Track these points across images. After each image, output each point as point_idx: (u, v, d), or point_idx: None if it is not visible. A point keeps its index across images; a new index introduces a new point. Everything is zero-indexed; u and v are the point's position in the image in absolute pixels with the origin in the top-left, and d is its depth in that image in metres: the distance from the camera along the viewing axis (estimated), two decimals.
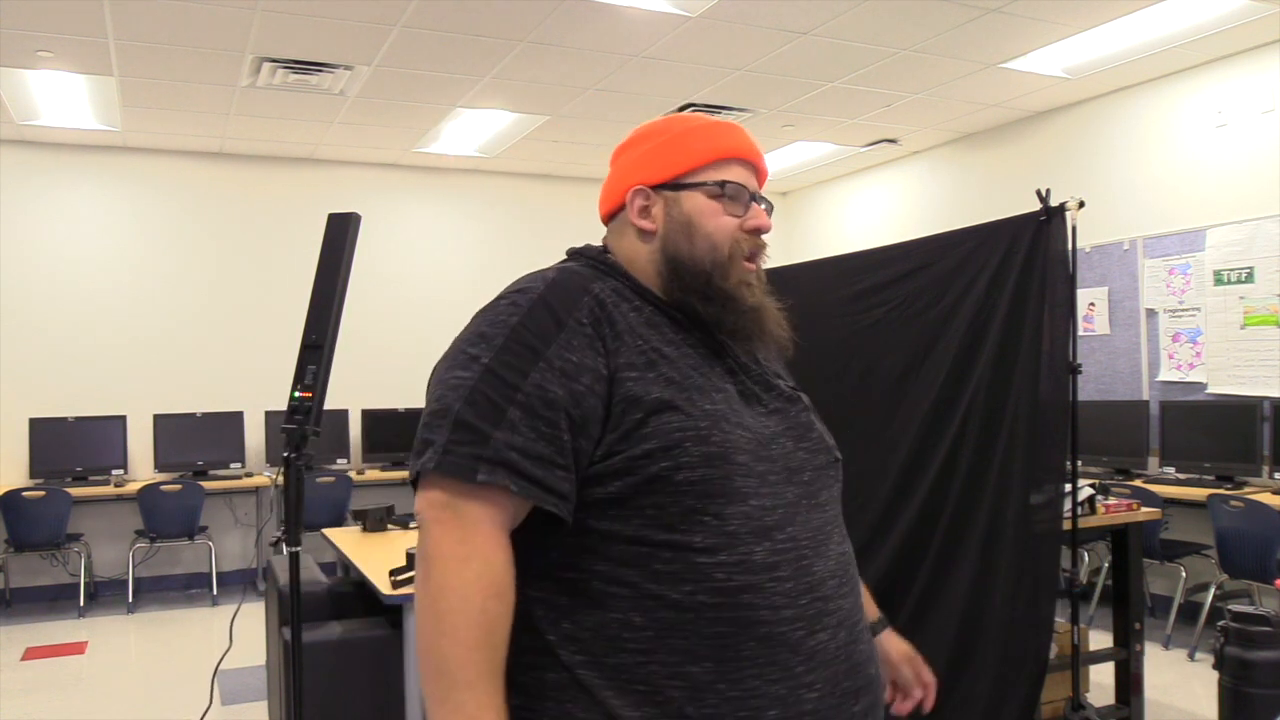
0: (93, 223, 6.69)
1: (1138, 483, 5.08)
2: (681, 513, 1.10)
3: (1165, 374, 5.49)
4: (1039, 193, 3.02)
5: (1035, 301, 3.00)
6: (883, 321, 3.55)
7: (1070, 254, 2.98)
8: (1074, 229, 3.00)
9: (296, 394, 2.57)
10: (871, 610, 1.46)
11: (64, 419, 6.37)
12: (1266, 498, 4.49)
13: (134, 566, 6.33)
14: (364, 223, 2.80)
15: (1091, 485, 3.60)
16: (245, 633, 5.03)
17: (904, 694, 1.59)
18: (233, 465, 6.69)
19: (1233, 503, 4.50)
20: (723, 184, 1.27)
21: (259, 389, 6.77)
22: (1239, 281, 5.14)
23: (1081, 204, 3.01)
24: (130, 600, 6.22)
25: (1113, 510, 3.60)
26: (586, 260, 1.27)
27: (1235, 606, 3.27)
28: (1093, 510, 3.53)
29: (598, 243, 1.34)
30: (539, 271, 1.22)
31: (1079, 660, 3.30)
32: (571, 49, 4.97)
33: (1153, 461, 5.36)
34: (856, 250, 3.93)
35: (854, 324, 3.65)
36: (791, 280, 4.19)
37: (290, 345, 2.99)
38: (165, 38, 4.70)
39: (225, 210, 7.01)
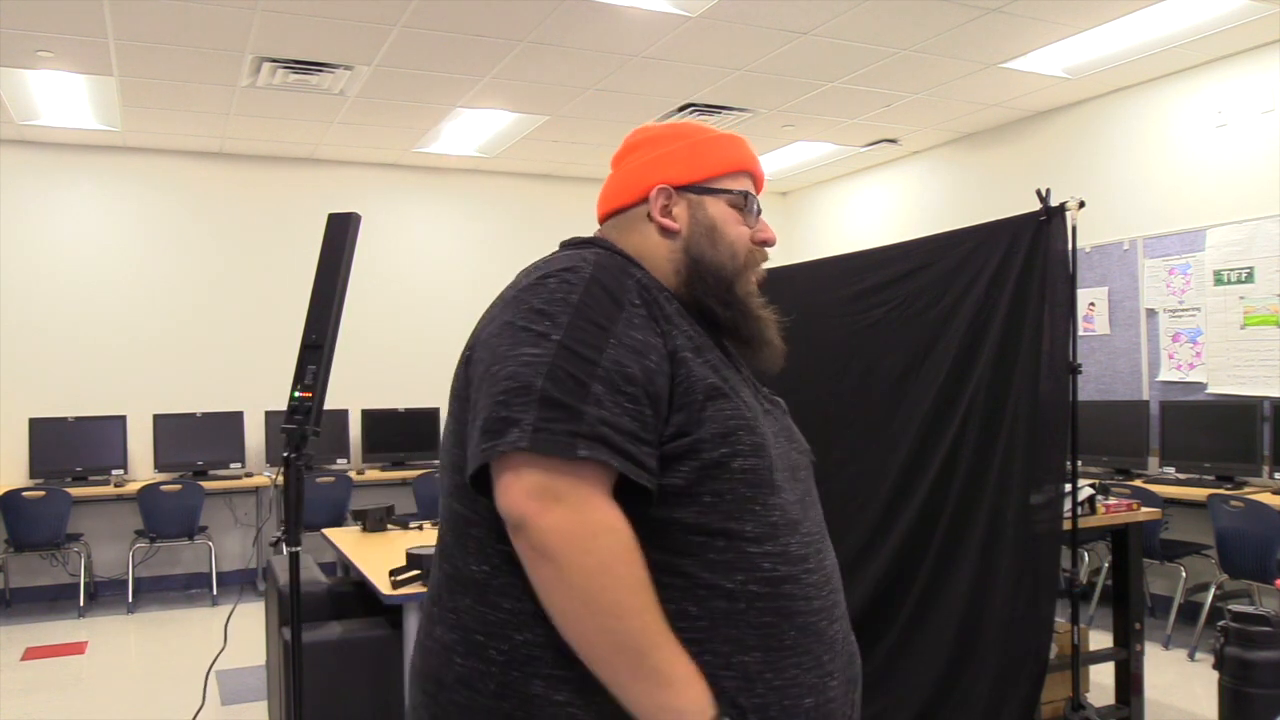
0: (93, 223, 6.69)
1: (1138, 483, 5.08)
2: (736, 501, 1.11)
3: (1165, 374, 5.49)
4: (1039, 193, 3.02)
5: (1035, 301, 3.00)
6: (883, 321, 3.55)
7: (1070, 254, 2.98)
8: (1074, 229, 3.00)
9: (296, 394, 2.57)
10: None
11: (64, 419, 6.36)
12: (1266, 498, 4.49)
13: (134, 566, 6.33)
14: (364, 223, 2.80)
15: (1091, 485, 3.59)
16: (245, 633, 5.03)
17: None
18: (233, 465, 6.69)
19: (1233, 503, 4.50)
20: (746, 195, 1.31)
21: (259, 389, 6.77)
22: (1239, 281, 5.14)
23: (1081, 204, 3.01)
24: (130, 600, 6.22)
25: (1113, 510, 3.60)
26: (603, 250, 1.25)
27: (1235, 606, 3.27)
28: (1093, 510, 3.52)
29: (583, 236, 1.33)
30: (573, 253, 1.20)
31: (1079, 660, 3.30)
32: (571, 49, 4.97)
33: (1153, 461, 5.35)
34: (856, 250, 3.93)
35: (854, 324, 3.66)
36: (791, 280, 4.19)
37: (290, 345, 2.99)
38: (165, 38, 4.70)
39: (225, 210, 7.01)
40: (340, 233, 2.69)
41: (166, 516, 6.10)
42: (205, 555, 6.55)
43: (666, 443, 1.10)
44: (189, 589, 6.71)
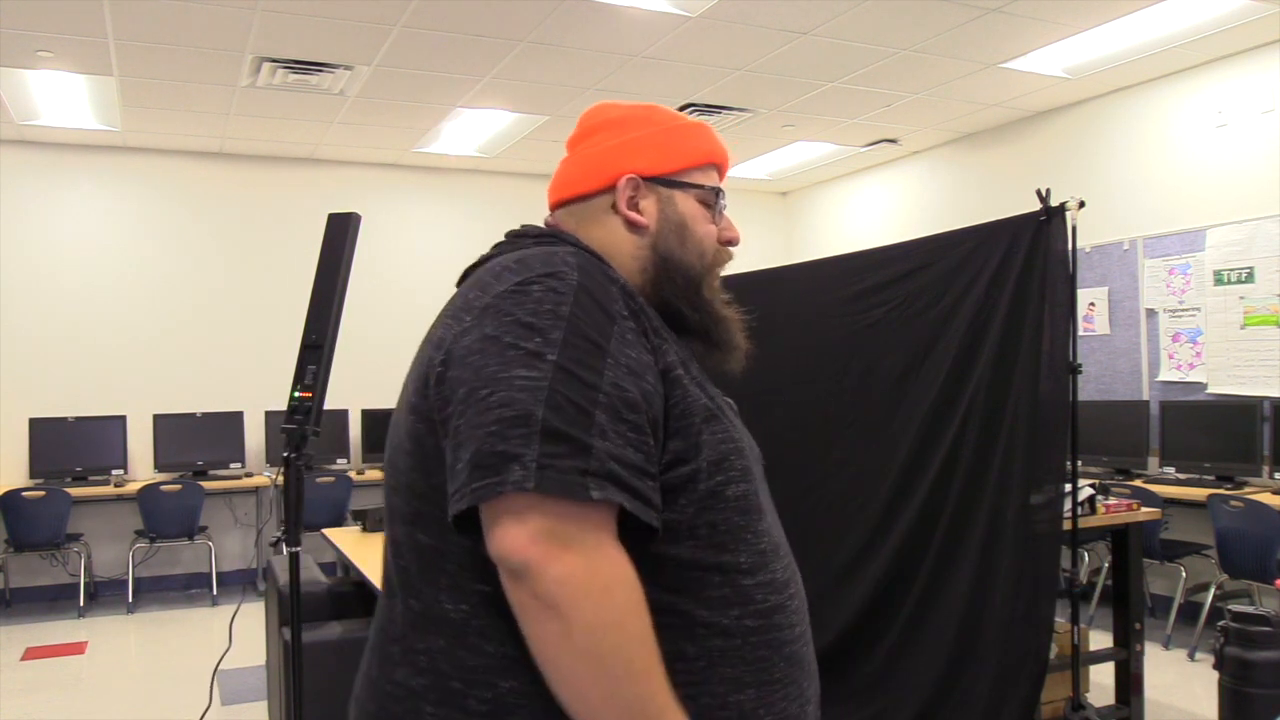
0: (93, 223, 6.69)
1: (1138, 483, 5.08)
2: (730, 531, 1.04)
3: (1165, 374, 5.49)
4: (1039, 193, 3.02)
5: (1035, 301, 3.00)
6: (883, 321, 3.55)
7: (1070, 254, 2.98)
8: (1074, 229, 3.00)
9: (296, 394, 2.57)
10: None
11: (64, 419, 6.36)
12: (1266, 498, 4.49)
13: (134, 566, 6.33)
14: (364, 223, 2.80)
15: (1091, 485, 3.59)
16: (245, 633, 5.03)
17: None
18: (233, 465, 6.69)
19: (1233, 503, 4.50)
20: (716, 191, 1.22)
21: (259, 389, 6.77)
22: (1239, 281, 5.14)
23: (1081, 204, 3.01)
24: (130, 600, 6.21)
25: (1113, 510, 3.60)
26: (574, 246, 1.13)
27: (1235, 606, 3.27)
28: (1093, 510, 3.52)
29: (537, 225, 1.23)
30: (551, 252, 1.08)
31: (1079, 660, 3.30)
32: (571, 49, 4.97)
33: (1153, 461, 5.35)
34: (856, 250, 3.93)
35: (854, 324, 3.65)
36: (792, 280, 4.19)
37: (290, 345, 2.99)
38: (165, 38, 4.70)
39: (225, 210, 7.01)
40: (340, 233, 2.69)
41: (166, 516, 6.10)
42: (205, 555, 6.55)
43: (664, 472, 1.01)
44: (189, 589, 6.71)
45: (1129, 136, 5.77)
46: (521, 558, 0.91)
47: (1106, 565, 5.00)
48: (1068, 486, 3.06)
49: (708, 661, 1.02)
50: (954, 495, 3.19)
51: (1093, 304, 5.85)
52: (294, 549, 2.55)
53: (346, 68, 5.18)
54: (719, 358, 1.23)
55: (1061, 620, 3.20)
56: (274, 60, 5.04)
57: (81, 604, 6.10)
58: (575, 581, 0.91)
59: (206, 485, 6.28)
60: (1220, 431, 5.06)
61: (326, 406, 2.66)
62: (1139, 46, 5.09)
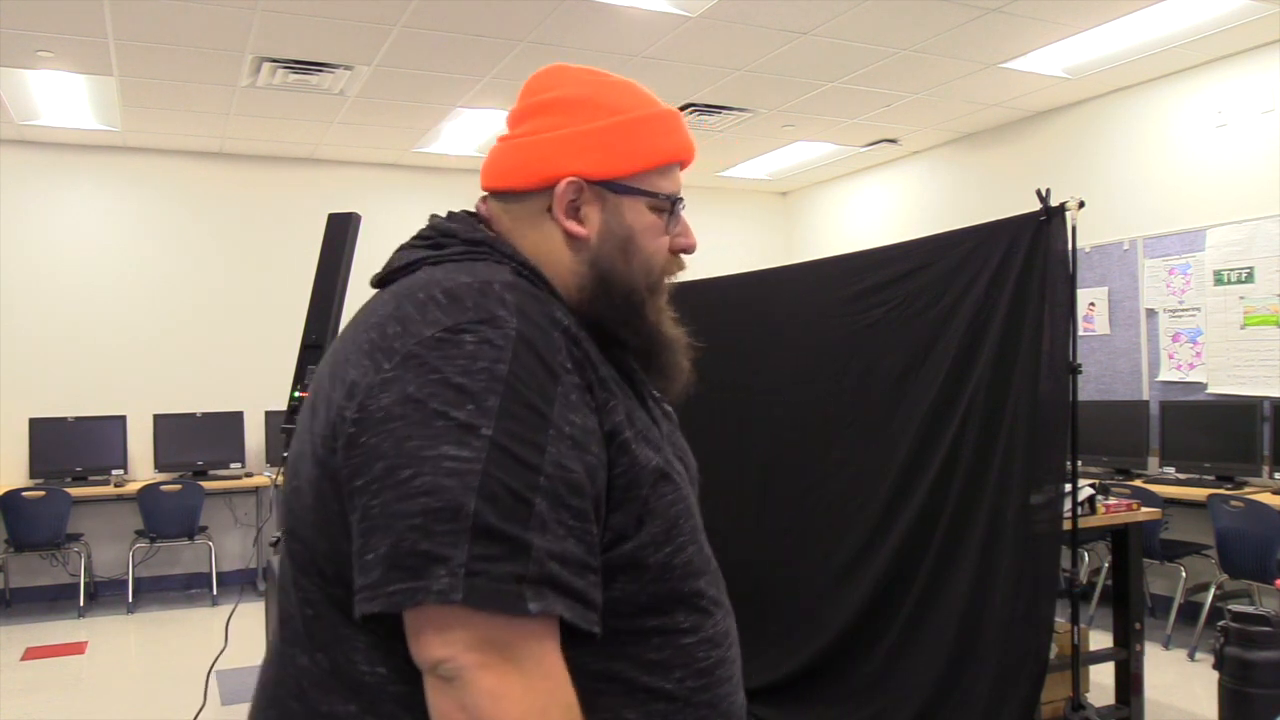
0: (93, 223, 6.69)
1: (1138, 483, 5.08)
2: (670, 596, 0.95)
3: (1165, 374, 5.49)
4: (1039, 193, 3.02)
5: (1035, 301, 3.00)
6: (883, 321, 3.55)
7: (1070, 254, 2.98)
8: (1074, 229, 2.99)
9: (296, 394, 2.57)
10: None
11: (64, 419, 6.36)
12: (1266, 498, 4.49)
13: (134, 566, 6.33)
14: (364, 223, 2.80)
15: (1091, 485, 3.59)
16: (245, 632, 5.03)
17: None
18: (233, 465, 6.69)
19: (1233, 503, 4.50)
20: (673, 199, 1.07)
21: (259, 389, 6.76)
22: (1239, 281, 5.14)
23: (1081, 204, 3.01)
24: (130, 600, 6.21)
25: (1113, 510, 3.60)
26: (510, 264, 0.99)
27: (1235, 606, 3.27)
28: (1093, 510, 3.52)
29: (464, 211, 1.10)
30: (480, 285, 0.92)
31: (1079, 660, 3.30)
32: (571, 49, 4.97)
33: (1153, 461, 5.35)
34: (856, 250, 3.93)
35: (854, 324, 3.65)
36: (792, 280, 4.19)
37: (290, 345, 2.99)
38: (165, 38, 4.70)
39: (225, 210, 7.01)
40: (340, 233, 2.69)
41: (166, 516, 6.10)
42: (205, 555, 6.55)
43: (604, 551, 0.90)
44: (189, 589, 6.71)
45: (1129, 136, 5.77)
46: (454, 665, 0.81)
47: (1106, 565, 5.00)
48: (1068, 486, 3.06)
49: None
50: (954, 495, 3.19)
51: (1093, 304, 5.85)
52: None
53: (346, 68, 5.18)
54: (658, 384, 1.11)
55: (1061, 620, 3.20)
56: (274, 60, 5.04)
57: (81, 604, 6.10)
58: (509, 699, 0.81)
59: (206, 485, 6.28)
60: (1220, 431, 5.06)
61: None
62: (1139, 46, 5.09)
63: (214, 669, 3.99)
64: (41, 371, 6.47)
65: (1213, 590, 4.82)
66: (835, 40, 4.90)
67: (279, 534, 2.75)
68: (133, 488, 6.15)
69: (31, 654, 5.21)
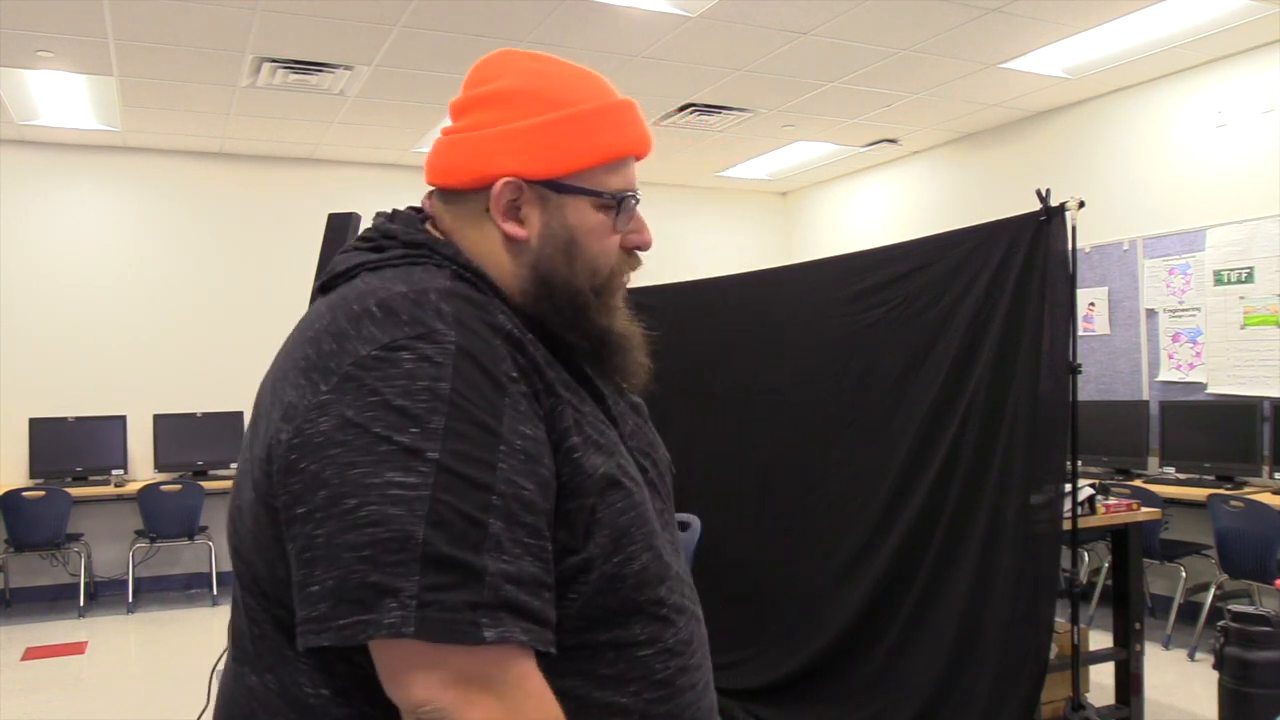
0: (93, 223, 6.69)
1: (1138, 483, 5.08)
2: (622, 607, 0.92)
3: (1165, 374, 5.48)
4: (1039, 193, 3.02)
5: (1035, 301, 3.00)
6: (883, 321, 3.55)
7: (1070, 254, 2.98)
8: (1074, 229, 2.99)
9: None
10: None
11: (64, 419, 6.36)
12: (1266, 498, 4.49)
13: (134, 566, 6.33)
14: (364, 223, 2.80)
15: (1091, 485, 3.59)
16: None
17: None
18: (233, 465, 6.68)
19: (1233, 503, 4.50)
20: (620, 198, 1.01)
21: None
22: (1239, 281, 5.14)
23: (1081, 204, 3.01)
24: (130, 600, 6.22)
25: (1113, 510, 3.60)
26: (449, 267, 0.96)
27: (1235, 606, 3.27)
28: (1093, 510, 3.52)
29: (410, 208, 1.06)
30: (415, 294, 0.88)
31: (1079, 660, 3.30)
32: (571, 49, 4.97)
33: (1153, 461, 5.35)
34: (856, 250, 3.93)
35: (854, 324, 3.65)
36: (792, 280, 4.19)
37: None
38: (165, 38, 4.70)
39: (225, 210, 7.01)
40: (340, 233, 2.69)
41: (166, 516, 6.10)
42: (205, 555, 6.55)
43: (554, 563, 0.87)
44: (189, 589, 6.71)
45: (1129, 136, 5.77)
46: (436, 705, 0.80)
47: (1106, 565, 5.00)
48: (1068, 486, 3.06)
49: None
50: (954, 495, 3.19)
51: (1093, 304, 5.85)
52: None
53: (346, 68, 5.18)
54: (617, 382, 1.06)
55: (1061, 620, 3.20)
56: (274, 60, 5.04)
57: (81, 604, 6.10)
58: None
59: (206, 485, 6.28)
60: (1220, 431, 5.06)
61: None
62: (1139, 46, 5.09)
63: (216, 669, 3.98)
64: (41, 371, 6.47)
65: (1213, 590, 4.82)
66: (835, 40, 4.90)
67: None
68: (133, 488, 6.15)
69: (31, 654, 5.21)
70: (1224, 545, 4.56)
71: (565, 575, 0.88)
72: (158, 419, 6.56)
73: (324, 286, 0.99)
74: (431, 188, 1.05)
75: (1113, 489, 4.23)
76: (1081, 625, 3.31)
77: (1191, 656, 4.68)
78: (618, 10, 4.47)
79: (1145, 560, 4.16)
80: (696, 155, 7.30)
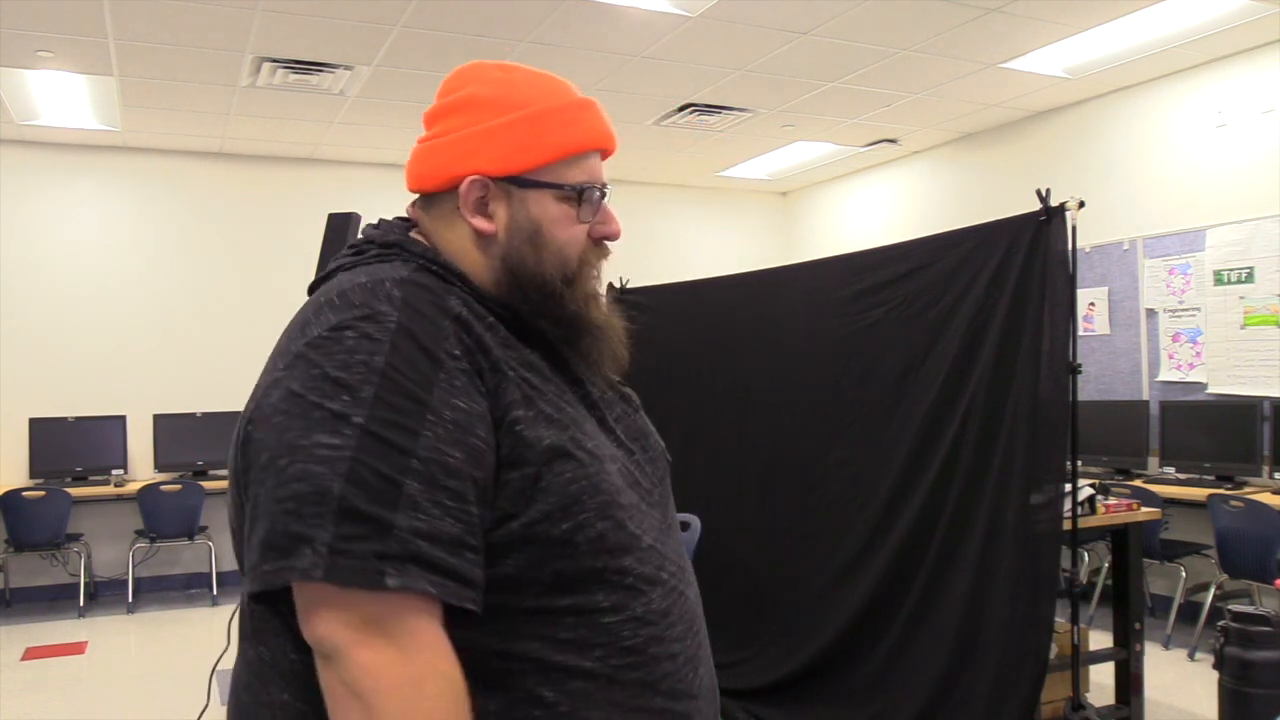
0: (93, 223, 6.69)
1: (1138, 483, 5.08)
2: (582, 575, 0.96)
3: (1165, 374, 5.49)
4: (1039, 193, 3.02)
5: (1035, 301, 3.00)
6: (883, 321, 3.55)
7: (1070, 254, 2.98)
8: (1074, 229, 2.99)
9: None
10: None
11: (64, 419, 6.36)
12: (1266, 498, 4.49)
13: (134, 566, 6.33)
14: (364, 223, 2.80)
15: (1091, 485, 3.59)
16: None
17: None
18: None
19: (1233, 503, 4.50)
20: (580, 189, 1.07)
21: None
22: (1239, 281, 5.14)
23: (1081, 204, 3.01)
24: (130, 600, 6.22)
25: (1113, 510, 3.60)
26: (416, 261, 1.04)
27: (1235, 606, 3.27)
28: (1093, 510, 3.52)
29: (397, 217, 1.15)
30: (372, 281, 0.97)
31: (1079, 660, 3.30)
32: (571, 49, 4.97)
33: (1153, 461, 5.35)
34: (856, 250, 3.93)
35: (854, 324, 3.65)
36: (792, 280, 4.19)
37: None
38: (165, 38, 4.70)
39: (225, 210, 7.01)
40: (340, 233, 2.69)
41: (166, 516, 6.10)
42: (205, 555, 6.55)
43: (491, 530, 0.93)
44: (189, 589, 6.71)
45: (1129, 136, 5.77)
46: (333, 642, 0.86)
47: (1106, 565, 5.00)
48: (1068, 486, 3.06)
49: (570, 705, 0.95)
50: (954, 495, 3.19)
51: (1093, 304, 5.85)
52: None
53: (346, 68, 5.18)
54: (590, 371, 1.12)
55: (1061, 620, 3.20)
56: (274, 60, 5.04)
57: (81, 604, 6.10)
58: (385, 672, 0.85)
59: (206, 485, 6.28)
60: (1220, 431, 5.06)
61: None
62: (1139, 46, 5.09)
63: (216, 669, 3.99)
64: (41, 371, 6.47)
65: (1213, 590, 4.82)
66: (835, 40, 4.90)
67: None
68: (133, 488, 6.15)
69: (31, 654, 5.21)
70: (1224, 545, 4.56)
71: (507, 538, 0.93)
72: (158, 419, 6.56)
73: (310, 289, 1.09)
74: (414, 196, 1.14)
75: (1113, 489, 4.23)
76: (1081, 625, 3.31)
77: (1191, 656, 4.68)
78: (618, 10, 4.47)
79: (1145, 560, 4.17)
80: (696, 155, 7.30)
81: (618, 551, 0.98)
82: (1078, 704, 3.29)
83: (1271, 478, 4.86)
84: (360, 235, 1.14)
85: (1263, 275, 5.03)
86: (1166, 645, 4.84)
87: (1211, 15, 4.68)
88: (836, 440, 3.69)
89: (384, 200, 8.50)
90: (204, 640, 5.43)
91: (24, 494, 5.83)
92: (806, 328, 3.90)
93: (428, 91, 5.47)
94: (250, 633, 1.00)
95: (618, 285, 5.11)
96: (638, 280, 4.98)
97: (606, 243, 1.13)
